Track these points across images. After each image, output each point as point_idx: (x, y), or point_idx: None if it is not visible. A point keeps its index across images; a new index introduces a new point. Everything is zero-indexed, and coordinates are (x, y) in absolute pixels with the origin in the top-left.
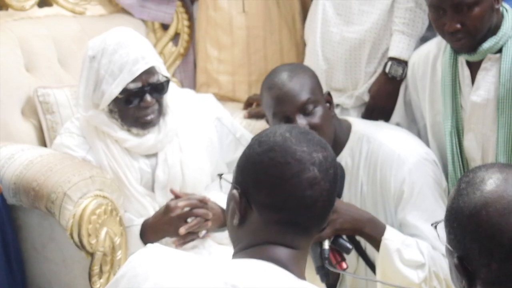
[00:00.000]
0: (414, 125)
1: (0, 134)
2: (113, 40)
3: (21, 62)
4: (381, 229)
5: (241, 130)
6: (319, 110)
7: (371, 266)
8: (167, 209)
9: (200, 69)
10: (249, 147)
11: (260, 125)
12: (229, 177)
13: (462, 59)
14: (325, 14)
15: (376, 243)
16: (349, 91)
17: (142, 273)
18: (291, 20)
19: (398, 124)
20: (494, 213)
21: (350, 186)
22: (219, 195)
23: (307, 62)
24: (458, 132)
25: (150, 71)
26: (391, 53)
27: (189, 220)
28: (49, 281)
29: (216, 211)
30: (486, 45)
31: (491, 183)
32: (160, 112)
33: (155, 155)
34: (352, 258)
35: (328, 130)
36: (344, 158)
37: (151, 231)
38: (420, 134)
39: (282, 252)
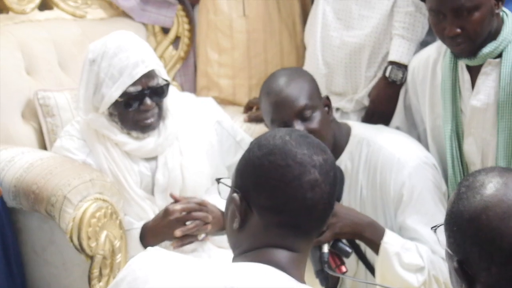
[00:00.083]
0: (414, 129)
1: (0, 137)
2: (113, 43)
3: (21, 65)
4: (380, 233)
5: (241, 134)
6: (317, 116)
7: (371, 269)
8: (166, 212)
9: (201, 73)
10: (249, 151)
11: (260, 129)
12: (228, 181)
13: (462, 64)
14: (325, 19)
15: (376, 247)
16: (349, 95)
17: (142, 276)
18: (291, 23)
19: (398, 128)
20: (494, 217)
21: (350, 189)
22: (219, 199)
23: (307, 66)
24: (458, 136)
25: (150, 75)
26: (391, 57)
27: (188, 223)
28: (49, 284)
29: (216, 214)
30: (486, 49)
31: (491, 187)
32: (160, 115)
33: (155, 158)
34: (352, 261)
35: (327, 134)
36: (343, 162)
37: (151, 235)
38: (420, 138)
39: (282, 255)
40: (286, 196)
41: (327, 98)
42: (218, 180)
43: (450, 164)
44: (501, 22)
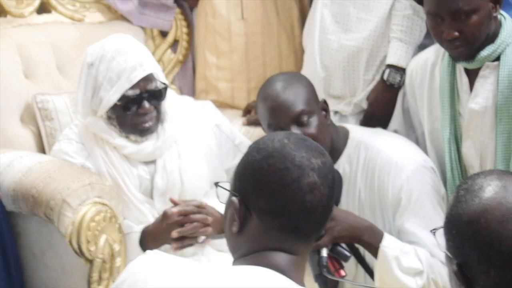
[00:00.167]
0: (412, 132)
1: None
2: (111, 47)
3: (19, 68)
4: (379, 237)
5: (240, 137)
6: (314, 120)
7: (370, 273)
8: (164, 216)
9: (199, 76)
10: (247, 154)
11: (259, 132)
12: (226, 185)
13: (460, 67)
14: (323, 22)
15: (375, 251)
16: (347, 99)
17: (142, 279)
18: (289, 26)
19: (396, 131)
20: (493, 220)
21: (348, 193)
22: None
23: (305, 69)
24: (456, 139)
25: (148, 78)
26: (389, 61)
27: (186, 225)
28: None
29: (215, 216)
30: (484, 53)
31: (490, 190)
32: (158, 119)
33: (153, 162)
34: (351, 265)
35: (325, 139)
36: (341, 165)
37: (151, 239)
38: (418, 141)
39: (281, 258)
40: (285, 199)
41: (325, 102)
42: (216, 184)
43: (448, 167)
44: (499, 25)
